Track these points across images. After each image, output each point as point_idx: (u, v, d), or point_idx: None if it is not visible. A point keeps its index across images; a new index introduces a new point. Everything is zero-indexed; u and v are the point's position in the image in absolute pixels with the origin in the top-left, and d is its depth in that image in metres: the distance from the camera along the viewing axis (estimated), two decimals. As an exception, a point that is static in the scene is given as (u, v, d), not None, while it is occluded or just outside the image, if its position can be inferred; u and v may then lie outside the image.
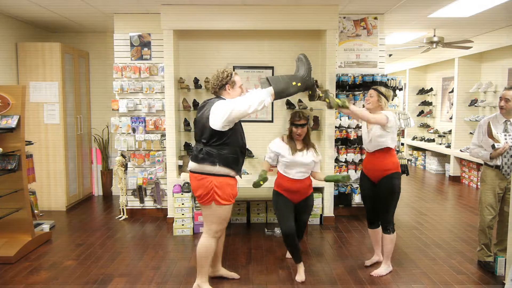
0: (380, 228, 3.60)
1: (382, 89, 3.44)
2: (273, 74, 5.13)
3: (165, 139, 4.92)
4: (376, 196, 3.47)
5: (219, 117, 2.87)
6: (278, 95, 2.94)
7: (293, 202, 3.46)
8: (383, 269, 3.51)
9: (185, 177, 4.74)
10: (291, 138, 3.46)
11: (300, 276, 3.38)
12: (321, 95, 3.32)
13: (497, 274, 3.45)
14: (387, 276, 3.46)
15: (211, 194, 2.92)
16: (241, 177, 3.20)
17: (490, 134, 3.34)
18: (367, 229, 4.71)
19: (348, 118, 5.04)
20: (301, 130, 3.39)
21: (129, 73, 5.04)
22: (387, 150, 3.38)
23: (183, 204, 4.58)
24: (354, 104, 5.11)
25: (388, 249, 3.49)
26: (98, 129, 6.30)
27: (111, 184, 6.35)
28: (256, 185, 3.36)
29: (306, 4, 4.65)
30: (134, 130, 5.11)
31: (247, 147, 5.00)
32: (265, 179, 3.38)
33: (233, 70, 3.10)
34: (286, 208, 3.40)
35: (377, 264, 3.70)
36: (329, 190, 4.91)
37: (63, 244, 4.26)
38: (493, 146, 3.34)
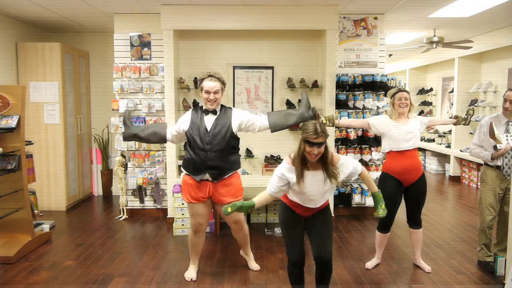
0: (389, 233, 3.61)
1: (407, 90, 3.54)
2: (272, 74, 5.14)
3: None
4: (410, 197, 3.52)
5: None
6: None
7: (304, 216, 2.75)
8: (425, 264, 3.63)
9: (185, 177, 4.73)
10: (302, 159, 2.52)
11: None
12: (324, 121, 3.42)
13: (497, 274, 3.45)
14: (387, 276, 3.46)
15: None
16: (198, 181, 3.20)
17: (492, 135, 3.34)
18: (367, 229, 4.73)
19: (348, 118, 5.04)
20: (318, 151, 2.45)
21: (129, 73, 5.04)
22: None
23: (183, 204, 4.58)
24: (354, 103, 5.11)
25: (421, 243, 3.66)
26: (98, 129, 6.30)
27: (111, 184, 6.35)
28: (225, 211, 2.52)
29: (306, 4, 4.65)
30: (134, 130, 5.10)
31: (247, 147, 5.04)
32: (240, 209, 2.52)
33: (207, 76, 3.19)
34: (294, 229, 2.72)
35: (377, 266, 3.70)
36: (329, 190, 4.90)
37: (63, 244, 4.26)
38: (495, 147, 3.33)
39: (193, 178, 3.21)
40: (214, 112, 3.21)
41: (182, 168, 3.34)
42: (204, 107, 3.24)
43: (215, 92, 3.13)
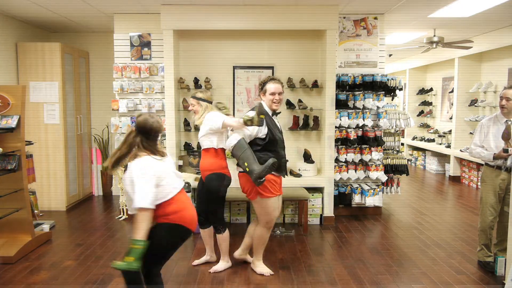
0: (211, 227, 3.61)
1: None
2: (272, 74, 5.13)
3: (165, 139, 4.93)
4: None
5: None
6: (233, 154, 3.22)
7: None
8: (221, 265, 3.58)
9: (185, 177, 4.73)
10: None
11: None
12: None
13: (497, 274, 3.45)
14: (387, 276, 3.46)
15: None
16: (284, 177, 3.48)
17: (507, 138, 3.29)
18: (367, 229, 4.74)
19: (348, 118, 5.04)
20: None
21: (129, 73, 5.04)
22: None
23: (183, 204, 4.57)
24: (354, 103, 5.11)
25: (224, 247, 3.57)
26: (98, 129, 6.30)
27: (111, 184, 6.35)
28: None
29: (306, 4, 4.65)
30: (134, 130, 5.10)
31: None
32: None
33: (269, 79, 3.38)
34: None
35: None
36: (329, 190, 4.91)
37: (63, 244, 4.26)
38: (506, 151, 3.31)
39: (274, 174, 3.28)
40: (277, 114, 3.42)
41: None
42: (267, 109, 3.33)
43: (280, 93, 3.31)
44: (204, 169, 3.46)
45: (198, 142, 3.76)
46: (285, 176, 3.48)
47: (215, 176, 3.41)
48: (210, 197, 3.45)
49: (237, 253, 3.68)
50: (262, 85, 3.35)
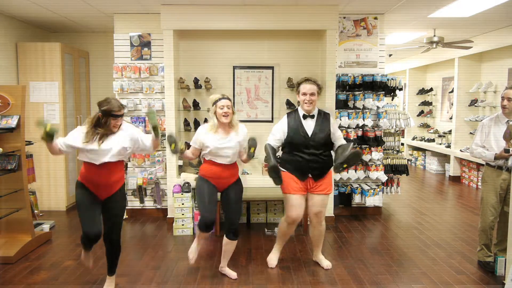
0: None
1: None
2: (272, 74, 5.14)
3: (165, 139, 4.92)
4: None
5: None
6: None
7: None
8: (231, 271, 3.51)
9: (185, 177, 4.74)
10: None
11: None
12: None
13: (497, 274, 3.45)
14: (387, 276, 3.46)
15: None
16: (303, 180, 3.44)
17: (508, 138, 3.29)
18: (367, 229, 4.73)
19: (348, 118, 5.04)
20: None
21: (129, 73, 5.04)
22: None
23: (183, 204, 4.58)
24: (354, 103, 5.11)
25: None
26: (98, 129, 6.29)
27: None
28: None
29: (306, 4, 4.65)
30: (134, 130, 5.10)
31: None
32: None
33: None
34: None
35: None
36: (329, 190, 4.91)
37: (63, 244, 4.26)
38: (507, 150, 3.31)
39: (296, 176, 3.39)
40: (312, 116, 3.41)
41: (280, 167, 3.40)
42: (301, 112, 3.43)
43: (312, 94, 3.35)
44: (234, 173, 3.37)
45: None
46: (315, 179, 3.42)
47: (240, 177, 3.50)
48: (240, 199, 3.43)
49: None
50: (297, 85, 3.43)
